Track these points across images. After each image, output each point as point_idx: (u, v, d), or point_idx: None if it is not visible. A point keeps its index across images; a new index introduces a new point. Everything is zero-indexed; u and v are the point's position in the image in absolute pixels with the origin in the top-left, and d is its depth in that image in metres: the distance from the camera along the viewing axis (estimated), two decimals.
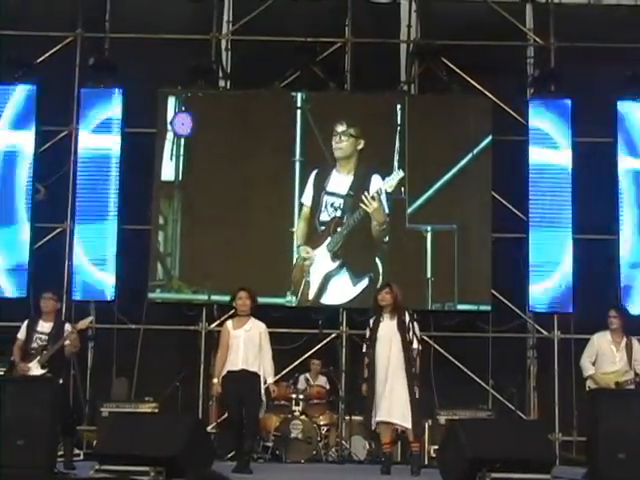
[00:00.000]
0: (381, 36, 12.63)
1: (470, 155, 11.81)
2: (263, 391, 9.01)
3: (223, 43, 12.69)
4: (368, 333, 9.11)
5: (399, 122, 11.91)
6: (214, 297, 11.64)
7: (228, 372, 8.95)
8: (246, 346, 8.96)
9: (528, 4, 12.82)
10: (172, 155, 11.87)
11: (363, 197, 11.71)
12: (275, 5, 12.36)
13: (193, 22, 12.59)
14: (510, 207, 11.95)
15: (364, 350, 9.18)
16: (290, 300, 11.61)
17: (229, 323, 9.19)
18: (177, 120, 11.90)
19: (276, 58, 12.18)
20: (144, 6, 12.62)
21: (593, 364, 9.42)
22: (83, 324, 9.46)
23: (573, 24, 12.34)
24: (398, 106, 11.94)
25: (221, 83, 12.67)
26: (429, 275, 11.67)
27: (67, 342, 9.18)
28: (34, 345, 9.25)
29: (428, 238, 11.73)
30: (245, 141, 11.92)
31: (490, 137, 11.82)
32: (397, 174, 11.70)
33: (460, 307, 11.67)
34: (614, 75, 11.90)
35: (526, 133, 11.92)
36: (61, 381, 9.17)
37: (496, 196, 11.86)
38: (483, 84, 12.12)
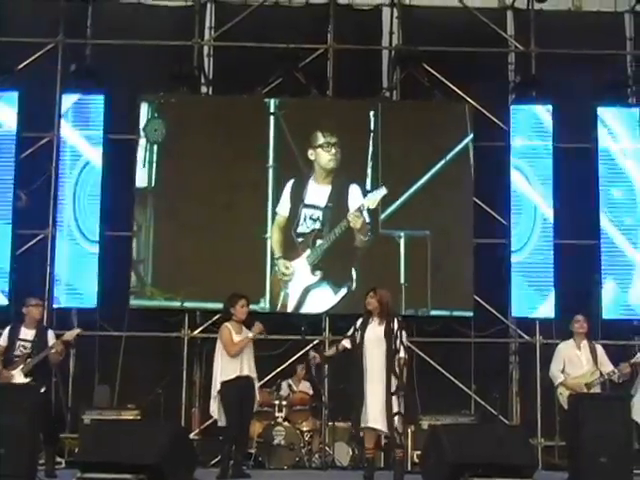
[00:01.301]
0: (363, 43, 12.66)
1: (443, 161, 11.85)
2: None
3: (205, 49, 12.70)
4: (352, 331, 9.05)
5: (372, 128, 11.94)
6: (187, 304, 11.66)
7: (237, 377, 8.97)
8: (247, 352, 9.09)
9: (509, 11, 12.90)
10: (145, 161, 11.85)
11: (349, 217, 11.73)
12: (257, 11, 12.40)
13: (175, 28, 12.58)
14: (492, 212, 11.99)
15: (345, 344, 9.06)
16: (264, 307, 11.61)
17: (229, 326, 9.12)
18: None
19: (258, 64, 12.18)
20: (126, 12, 12.61)
21: (562, 372, 9.54)
22: (70, 335, 9.35)
23: (554, 31, 12.43)
24: (371, 112, 11.96)
25: (203, 89, 12.67)
26: (402, 281, 11.70)
27: (53, 351, 9.13)
28: (17, 353, 9.19)
29: (401, 244, 11.76)
30: (219, 147, 11.93)
31: (467, 141, 11.86)
32: (380, 191, 11.73)
33: (434, 313, 11.69)
34: (594, 81, 11.99)
35: (507, 139, 11.96)
36: (44, 389, 9.12)
37: (478, 202, 11.90)
38: (465, 90, 12.17)
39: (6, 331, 9.34)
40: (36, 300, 9.45)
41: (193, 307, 11.70)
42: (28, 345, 9.20)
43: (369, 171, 11.85)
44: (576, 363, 9.53)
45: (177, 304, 11.67)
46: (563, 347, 9.66)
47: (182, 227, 11.74)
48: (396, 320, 8.96)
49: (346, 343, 9.03)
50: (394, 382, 8.71)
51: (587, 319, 9.70)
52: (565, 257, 11.77)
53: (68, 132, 11.86)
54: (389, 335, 8.81)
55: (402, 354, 8.82)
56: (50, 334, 9.31)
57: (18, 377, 9.10)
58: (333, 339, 11.54)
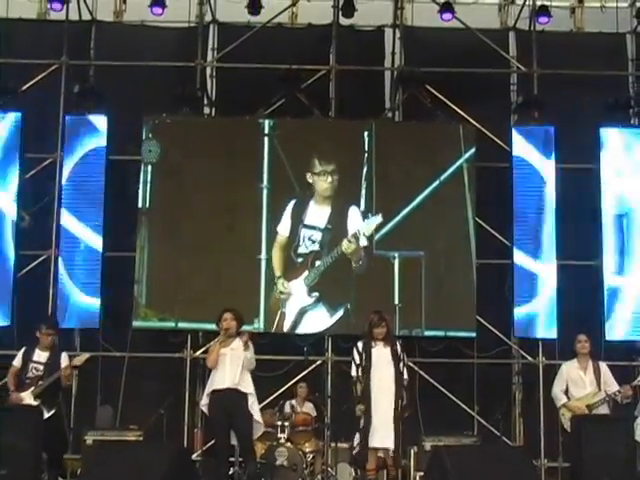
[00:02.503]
0: (365, 64, 12.71)
1: (438, 181, 11.87)
2: (258, 411, 8.99)
3: (208, 70, 12.74)
4: (357, 358, 9.05)
5: (366, 149, 11.97)
6: (181, 324, 11.68)
7: (214, 391, 8.85)
8: (232, 365, 8.87)
9: (511, 32, 12.93)
10: (141, 182, 11.87)
11: (343, 243, 11.74)
12: (260, 33, 12.43)
13: (178, 49, 12.63)
14: (494, 233, 12.00)
15: (353, 374, 9.10)
16: (258, 327, 11.59)
17: (218, 339, 9.01)
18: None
19: (261, 85, 12.23)
20: (129, 34, 12.66)
21: (565, 393, 9.49)
22: (79, 361, 9.48)
23: (556, 52, 12.46)
24: (365, 133, 11.99)
25: (206, 110, 12.70)
26: (397, 301, 11.69)
27: (66, 373, 9.29)
28: (30, 375, 9.33)
29: (395, 265, 11.77)
30: (216, 168, 11.97)
31: (461, 161, 11.89)
32: (375, 219, 11.74)
33: (428, 333, 11.67)
34: (596, 102, 12.01)
35: (510, 160, 11.98)
36: (53, 411, 9.20)
37: (480, 222, 11.91)
38: (467, 111, 12.20)
39: (20, 353, 9.51)
40: (46, 329, 9.52)
41: (187, 328, 11.70)
42: (40, 367, 9.34)
43: (363, 192, 11.86)
44: (579, 384, 9.48)
45: (171, 324, 11.67)
46: (566, 368, 9.62)
47: (177, 248, 11.76)
48: (398, 343, 9.03)
49: (353, 372, 9.04)
50: (400, 403, 8.77)
51: (590, 339, 9.67)
52: (568, 277, 11.76)
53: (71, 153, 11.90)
54: (396, 357, 8.87)
55: (405, 376, 8.93)
56: (63, 357, 9.45)
57: (28, 399, 9.21)
58: (336, 359, 11.56)
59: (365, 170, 11.92)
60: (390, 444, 8.76)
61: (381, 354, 8.92)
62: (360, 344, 9.09)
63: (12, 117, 11.89)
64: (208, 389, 8.95)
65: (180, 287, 11.66)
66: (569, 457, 9.65)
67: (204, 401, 8.98)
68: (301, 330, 11.75)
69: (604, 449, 8.29)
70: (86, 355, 9.66)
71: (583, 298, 11.76)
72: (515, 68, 12.77)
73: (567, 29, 12.91)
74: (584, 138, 12.04)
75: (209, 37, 12.81)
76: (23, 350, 9.50)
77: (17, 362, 9.44)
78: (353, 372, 9.08)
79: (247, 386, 8.92)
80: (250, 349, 8.99)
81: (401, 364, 8.90)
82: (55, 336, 9.63)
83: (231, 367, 8.85)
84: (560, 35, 12.73)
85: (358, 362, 9.01)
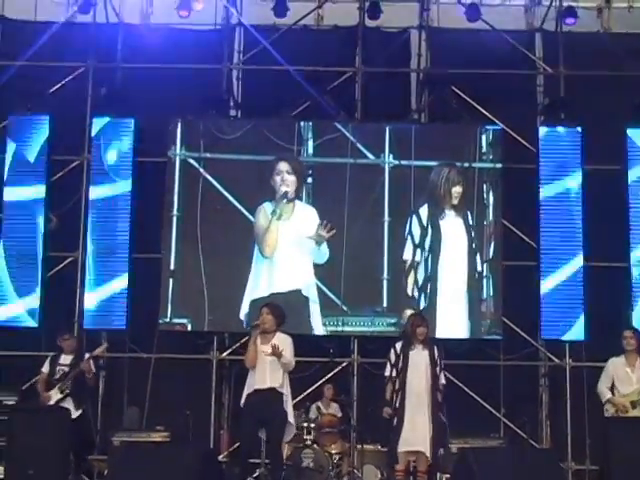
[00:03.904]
0: (391, 65, 12.68)
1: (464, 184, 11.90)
2: (292, 413, 8.90)
3: (234, 73, 12.77)
4: (394, 357, 9.03)
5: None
6: (207, 326, 11.70)
7: (255, 390, 8.74)
8: (273, 364, 8.76)
9: (537, 33, 12.87)
10: (173, 185, 11.93)
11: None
12: (286, 35, 12.44)
13: (204, 52, 12.64)
14: (521, 235, 11.96)
15: (387, 373, 9.09)
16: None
17: (257, 337, 8.88)
18: None
19: (287, 88, 12.23)
20: (155, 36, 12.69)
21: (611, 389, 9.40)
22: (98, 351, 9.95)
23: (582, 52, 12.39)
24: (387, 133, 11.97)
25: (232, 112, 12.72)
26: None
27: (85, 367, 9.57)
28: (57, 377, 9.69)
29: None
30: (244, 170, 11.94)
31: (488, 163, 11.94)
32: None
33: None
34: (623, 103, 11.95)
35: (536, 161, 11.93)
36: (81, 411, 9.34)
37: (507, 224, 11.88)
38: (493, 113, 12.17)
39: (48, 359, 9.87)
40: (66, 335, 9.95)
41: (213, 329, 11.73)
42: (66, 369, 9.69)
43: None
44: (625, 380, 9.36)
45: (198, 326, 11.70)
46: (612, 364, 9.50)
47: (205, 250, 11.75)
48: (436, 347, 9.04)
49: (387, 372, 9.03)
50: (435, 407, 8.78)
51: (635, 335, 9.53)
52: (595, 279, 11.70)
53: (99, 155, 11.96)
54: (433, 361, 8.89)
55: (443, 380, 8.97)
56: (86, 356, 9.80)
57: (55, 395, 9.52)
58: (362, 361, 11.56)
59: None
60: (421, 447, 8.76)
61: (419, 357, 8.92)
62: (398, 345, 9.09)
63: (40, 120, 11.95)
64: (249, 388, 8.83)
65: (207, 289, 11.67)
66: (597, 460, 9.60)
67: (244, 400, 8.87)
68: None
69: (633, 452, 8.22)
70: (104, 345, 10.18)
71: (611, 299, 11.69)
72: (541, 69, 12.72)
73: (594, 30, 12.82)
74: (611, 139, 11.97)
75: (235, 39, 12.83)
76: (51, 356, 9.86)
77: (45, 369, 9.82)
78: (387, 372, 9.07)
79: (285, 386, 8.86)
80: (288, 350, 8.85)
81: (438, 368, 8.92)
82: (73, 339, 9.93)
83: (272, 366, 8.76)
84: (587, 36, 12.65)
85: (393, 362, 9.00)
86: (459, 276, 11.70)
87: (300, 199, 11.90)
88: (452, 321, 11.66)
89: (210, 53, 12.61)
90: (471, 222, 11.79)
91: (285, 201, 11.79)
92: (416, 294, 11.68)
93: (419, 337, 9.01)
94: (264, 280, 11.68)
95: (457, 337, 11.70)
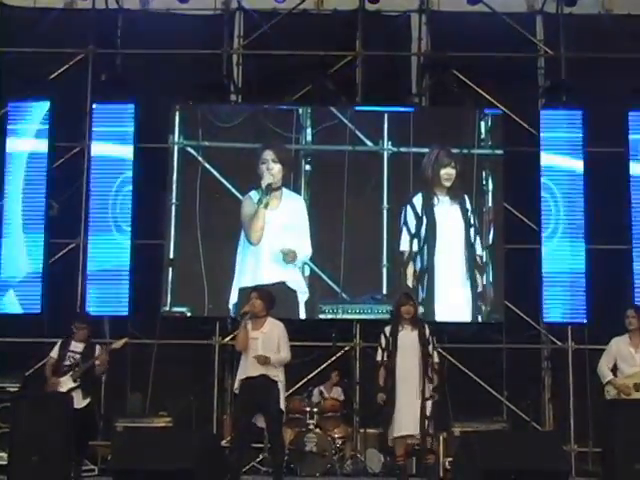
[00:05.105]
0: (392, 49, 12.65)
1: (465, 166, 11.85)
2: (283, 400, 8.78)
3: (234, 58, 12.73)
4: (384, 341, 9.04)
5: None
6: (209, 311, 11.71)
7: (247, 377, 8.68)
8: (265, 350, 8.65)
9: (538, 15, 12.82)
10: (173, 171, 11.91)
11: None
12: (286, 19, 12.41)
13: (204, 37, 12.62)
14: (522, 218, 11.94)
15: (378, 358, 9.10)
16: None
17: (248, 322, 8.80)
18: None
19: (287, 72, 12.21)
20: (155, 21, 12.66)
21: (613, 370, 9.34)
22: (118, 344, 9.80)
23: (583, 34, 12.35)
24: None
25: (232, 97, 12.70)
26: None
27: (97, 362, 9.57)
28: (67, 363, 9.62)
29: None
30: (245, 156, 11.91)
31: (489, 146, 11.91)
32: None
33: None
34: (625, 85, 11.91)
35: (537, 144, 11.91)
36: (88, 400, 9.35)
37: (508, 207, 11.87)
38: (494, 95, 12.14)
39: (57, 344, 9.81)
40: (80, 323, 9.88)
41: (215, 314, 11.74)
42: (77, 356, 9.64)
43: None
44: (628, 360, 9.29)
45: (200, 311, 11.71)
46: (615, 343, 9.42)
47: (206, 236, 11.74)
48: (426, 326, 9.01)
49: (378, 356, 9.03)
50: (427, 387, 8.75)
51: (639, 314, 9.47)
52: (597, 262, 11.69)
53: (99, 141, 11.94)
54: (423, 340, 8.86)
55: (436, 359, 8.93)
56: (97, 348, 9.78)
57: (66, 383, 9.46)
58: (364, 345, 11.57)
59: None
60: (415, 430, 8.75)
61: (407, 338, 8.91)
62: (388, 328, 9.09)
63: (40, 106, 11.93)
64: (241, 375, 8.79)
65: (206, 277, 11.66)
66: (600, 442, 9.61)
67: (236, 385, 8.86)
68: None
69: (637, 434, 8.23)
70: (124, 339, 9.93)
71: (613, 282, 11.68)
72: (542, 52, 12.67)
73: (595, 11, 12.76)
74: (612, 121, 11.94)
75: (235, 24, 12.79)
76: (60, 342, 9.80)
77: (54, 353, 9.75)
78: (378, 357, 9.08)
79: (278, 373, 8.75)
80: (282, 341, 8.79)
81: (430, 347, 8.89)
82: (87, 328, 9.88)
83: (263, 352, 8.66)
84: (588, 18, 12.58)
85: (384, 346, 9.01)
86: (457, 263, 11.67)
87: (297, 188, 11.85)
88: (453, 307, 11.64)
89: (210, 38, 12.58)
90: (469, 207, 11.74)
91: (269, 193, 11.74)
92: (415, 284, 11.65)
93: (405, 316, 8.99)
94: (250, 269, 11.65)
95: (458, 321, 11.69)
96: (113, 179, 11.86)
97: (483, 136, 11.95)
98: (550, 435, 10.46)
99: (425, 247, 11.64)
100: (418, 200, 11.76)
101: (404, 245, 11.67)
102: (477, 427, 10.59)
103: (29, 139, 11.87)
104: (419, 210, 11.71)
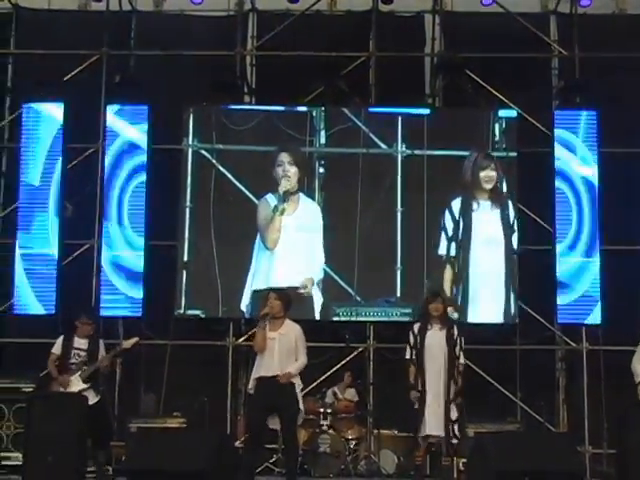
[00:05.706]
0: (405, 50, 12.63)
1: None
2: (301, 400, 8.75)
3: (248, 59, 12.75)
4: (412, 339, 9.02)
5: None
6: (223, 312, 11.72)
7: (262, 377, 8.63)
8: (281, 351, 8.63)
9: (552, 15, 12.79)
10: (187, 173, 11.92)
11: None
12: (299, 20, 12.41)
13: (218, 38, 12.64)
14: (537, 219, 11.91)
15: (407, 356, 9.06)
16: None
17: (266, 323, 8.76)
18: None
19: (300, 73, 12.21)
20: (169, 23, 12.70)
21: None
22: (128, 344, 9.82)
23: (598, 35, 12.32)
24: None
25: (246, 99, 12.72)
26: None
27: (104, 364, 9.58)
28: (73, 360, 9.57)
29: None
30: (258, 158, 11.92)
31: (503, 147, 11.88)
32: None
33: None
34: (639, 85, 11.87)
35: (552, 145, 11.88)
36: (99, 398, 9.38)
37: (522, 208, 11.84)
38: (508, 96, 12.11)
39: (60, 340, 9.73)
40: (85, 319, 9.77)
41: (229, 315, 11.74)
42: (83, 354, 9.59)
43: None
44: None
45: (214, 312, 11.72)
46: None
47: (220, 237, 11.74)
48: (455, 326, 8.99)
49: (407, 354, 9.00)
50: (452, 389, 8.74)
51: None
52: (612, 263, 11.65)
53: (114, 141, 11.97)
54: (450, 340, 8.83)
55: (462, 360, 8.90)
56: (101, 344, 9.75)
57: (76, 383, 9.44)
58: (378, 346, 11.56)
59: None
60: (440, 432, 8.74)
61: (434, 338, 8.88)
62: (416, 326, 9.06)
63: (55, 107, 11.97)
64: (255, 374, 8.75)
65: (220, 280, 11.67)
66: (614, 444, 9.57)
67: (251, 385, 8.82)
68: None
69: None
70: (135, 339, 9.93)
71: (628, 283, 11.64)
72: (556, 52, 12.64)
73: (609, 11, 12.74)
74: (627, 122, 11.91)
75: (248, 25, 12.80)
76: (62, 337, 9.73)
77: (56, 349, 9.66)
78: (407, 355, 9.04)
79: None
80: (300, 343, 8.80)
81: (457, 348, 8.86)
82: (92, 325, 9.82)
83: (280, 353, 8.65)
84: (602, 18, 12.56)
85: (412, 344, 8.98)
86: (495, 267, 11.62)
87: (311, 190, 11.85)
88: (489, 311, 11.67)
89: (223, 39, 12.59)
90: (511, 212, 11.69)
91: (287, 199, 11.74)
92: (453, 289, 11.63)
93: (433, 314, 8.96)
94: (264, 272, 11.65)
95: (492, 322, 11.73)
96: (129, 179, 11.88)
97: (497, 138, 11.92)
98: (564, 436, 10.45)
99: (461, 251, 11.60)
100: (457, 204, 11.72)
101: (442, 249, 11.64)
102: (491, 428, 10.57)
103: (44, 140, 11.90)
104: (457, 214, 11.67)
